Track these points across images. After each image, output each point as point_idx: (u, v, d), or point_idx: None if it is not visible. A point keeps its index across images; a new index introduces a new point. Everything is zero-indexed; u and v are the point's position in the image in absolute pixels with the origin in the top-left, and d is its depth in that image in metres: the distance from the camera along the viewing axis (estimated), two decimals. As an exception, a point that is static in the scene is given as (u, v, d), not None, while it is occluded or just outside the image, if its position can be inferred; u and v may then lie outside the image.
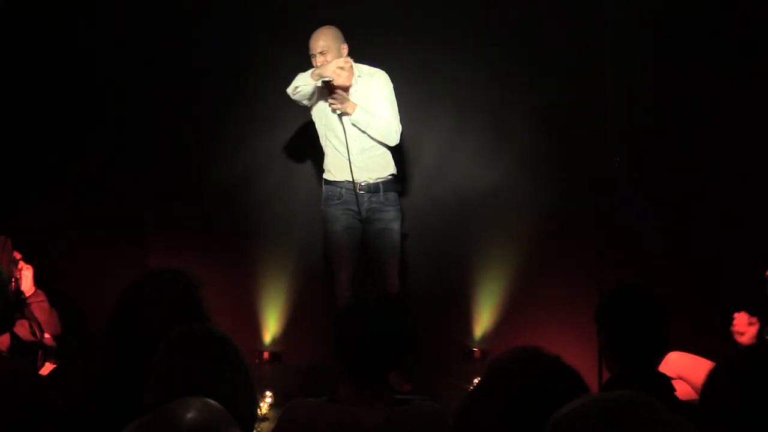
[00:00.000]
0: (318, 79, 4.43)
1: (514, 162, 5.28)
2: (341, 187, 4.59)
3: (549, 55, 5.20)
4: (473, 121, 5.32)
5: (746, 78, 4.99)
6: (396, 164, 4.76)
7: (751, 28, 4.97)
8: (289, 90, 4.55)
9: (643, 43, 5.13)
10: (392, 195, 4.67)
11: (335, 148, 4.60)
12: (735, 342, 3.90)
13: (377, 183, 4.61)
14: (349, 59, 4.53)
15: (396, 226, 4.65)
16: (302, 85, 4.49)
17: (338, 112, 4.47)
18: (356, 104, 4.50)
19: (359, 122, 4.51)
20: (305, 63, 4.67)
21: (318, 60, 4.49)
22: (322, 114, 4.65)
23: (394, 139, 4.60)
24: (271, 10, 5.32)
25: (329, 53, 4.48)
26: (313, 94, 4.53)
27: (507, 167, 5.28)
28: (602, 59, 5.03)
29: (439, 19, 5.28)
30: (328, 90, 4.46)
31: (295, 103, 4.63)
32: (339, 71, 4.42)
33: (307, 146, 4.64)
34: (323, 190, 4.66)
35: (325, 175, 4.67)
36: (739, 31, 4.99)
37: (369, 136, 4.55)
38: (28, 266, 4.37)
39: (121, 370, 2.15)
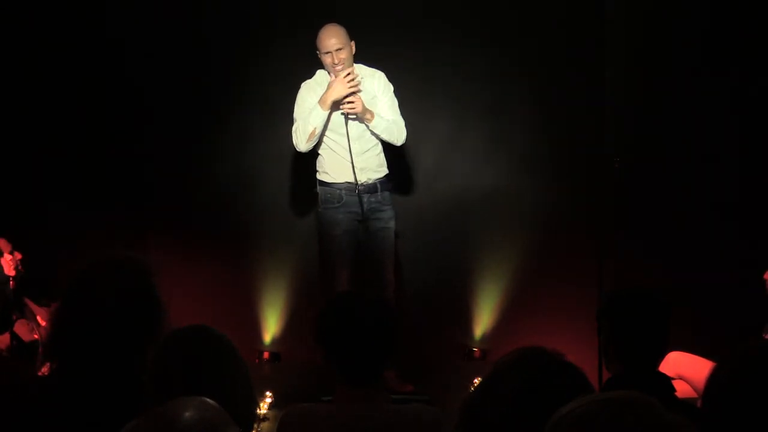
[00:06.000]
0: (347, 107, 4.40)
1: (514, 162, 5.28)
2: (340, 189, 4.56)
3: (549, 56, 5.20)
4: (473, 121, 5.33)
5: (747, 78, 4.98)
6: (395, 164, 4.75)
7: (752, 27, 4.97)
8: (303, 143, 4.49)
9: (643, 44, 5.13)
10: (387, 194, 4.67)
11: (333, 150, 4.57)
12: None
13: (375, 183, 4.60)
14: (351, 68, 4.50)
15: (393, 224, 4.64)
16: (320, 123, 4.45)
17: (343, 112, 4.44)
18: (374, 112, 4.49)
19: (377, 128, 4.49)
20: (305, 63, 4.67)
21: (335, 57, 4.44)
22: None
23: (403, 140, 4.61)
24: (272, 11, 5.32)
25: (344, 49, 4.45)
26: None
27: (507, 167, 5.28)
28: (602, 59, 5.03)
29: (439, 19, 5.27)
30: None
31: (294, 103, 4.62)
32: (349, 85, 4.41)
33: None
34: (320, 192, 4.61)
35: (321, 177, 4.62)
36: (739, 30, 4.98)
37: (374, 135, 4.53)
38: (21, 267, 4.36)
39: (72, 361, 2.09)
